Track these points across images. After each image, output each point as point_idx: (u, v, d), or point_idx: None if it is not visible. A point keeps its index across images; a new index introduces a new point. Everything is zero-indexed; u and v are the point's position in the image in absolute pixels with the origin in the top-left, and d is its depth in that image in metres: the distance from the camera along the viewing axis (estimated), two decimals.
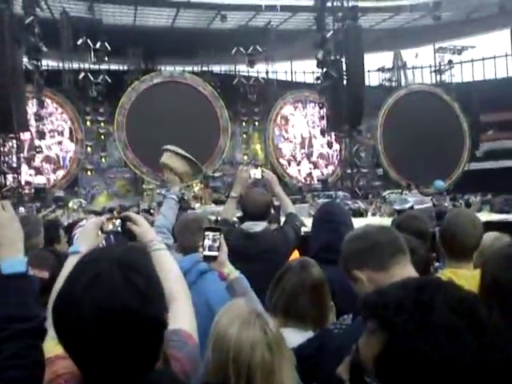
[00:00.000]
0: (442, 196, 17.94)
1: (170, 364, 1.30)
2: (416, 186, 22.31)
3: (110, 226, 1.81)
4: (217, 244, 2.10)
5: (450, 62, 30.89)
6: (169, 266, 1.70)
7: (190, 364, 1.40)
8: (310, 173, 28.63)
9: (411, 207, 6.79)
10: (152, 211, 13.79)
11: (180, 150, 2.80)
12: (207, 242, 2.09)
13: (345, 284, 2.37)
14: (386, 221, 6.08)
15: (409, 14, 26.20)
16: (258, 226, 3.12)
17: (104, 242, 1.97)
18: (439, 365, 0.76)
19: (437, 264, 3.03)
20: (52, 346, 1.26)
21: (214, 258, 2.10)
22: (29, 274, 1.30)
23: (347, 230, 2.72)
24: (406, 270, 1.68)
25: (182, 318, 1.51)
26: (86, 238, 1.77)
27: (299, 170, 28.82)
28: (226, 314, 1.51)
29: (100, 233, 1.81)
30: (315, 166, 29.02)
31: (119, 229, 1.80)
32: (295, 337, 1.95)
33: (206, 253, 2.10)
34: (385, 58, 31.69)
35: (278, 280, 2.09)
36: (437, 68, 31.14)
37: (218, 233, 2.13)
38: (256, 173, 3.15)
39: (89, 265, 1.10)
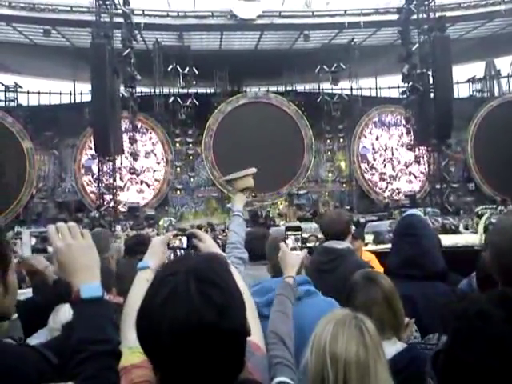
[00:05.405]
0: None
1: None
2: None
3: (177, 243, 1.89)
4: (299, 243, 2.13)
5: None
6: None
7: (258, 373, 1.42)
8: (397, 188, 27.83)
9: None
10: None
11: (238, 174, 2.68)
12: (290, 242, 2.14)
13: (430, 301, 2.32)
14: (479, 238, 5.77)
15: (503, 19, 24.85)
16: (340, 245, 3.12)
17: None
18: (483, 375, 0.75)
19: None
20: (128, 355, 1.33)
21: None
22: (105, 298, 1.36)
23: (430, 243, 2.62)
24: None
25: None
26: (154, 254, 1.83)
27: (386, 187, 28.12)
28: (324, 318, 1.56)
29: (167, 249, 1.86)
30: (402, 181, 28.18)
31: (185, 245, 1.87)
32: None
33: None
34: (475, 68, 30.23)
35: (347, 296, 2.07)
36: None
37: (299, 232, 2.16)
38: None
39: (166, 279, 1.12)
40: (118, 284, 2.40)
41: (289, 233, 2.16)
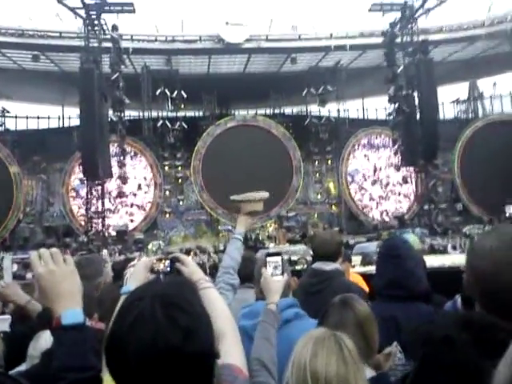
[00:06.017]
0: None
1: None
2: (499, 221, 21.10)
3: (160, 267, 1.86)
4: (278, 270, 2.13)
5: None
6: (217, 304, 1.74)
7: None
8: (386, 210, 27.95)
9: None
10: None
11: (246, 197, 2.62)
12: (269, 269, 2.14)
13: (412, 322, 2.32)
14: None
15: (484, 42, 25.46)
16: (328, 267, 3.13)
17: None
18: None
19: None
20: (110, 382, 1.29)
21: None
22: (86, 325, 1.36)
23: (414, 264, 2.62)
24: None
25: (231, 353, 1.55)
26: (137, 278, 1.83)
27: (375, 207, 28.23)
28: (303, 337, 1.58)
29: (150, 273, 1.86)
30: (390, 202, 28.33)
31: (168, 269, 1.85)
32: None
33: None
34: (459, 89, 30.81)
35: (321, 318, 2.06)
36: None
37: (279, 257, 2.16)
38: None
39: (132, 304, 1.13)
40: (99, 309, 2.38)
41: (268, 259, 2.14)
